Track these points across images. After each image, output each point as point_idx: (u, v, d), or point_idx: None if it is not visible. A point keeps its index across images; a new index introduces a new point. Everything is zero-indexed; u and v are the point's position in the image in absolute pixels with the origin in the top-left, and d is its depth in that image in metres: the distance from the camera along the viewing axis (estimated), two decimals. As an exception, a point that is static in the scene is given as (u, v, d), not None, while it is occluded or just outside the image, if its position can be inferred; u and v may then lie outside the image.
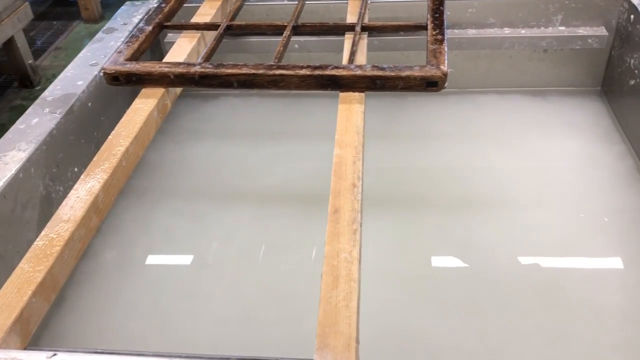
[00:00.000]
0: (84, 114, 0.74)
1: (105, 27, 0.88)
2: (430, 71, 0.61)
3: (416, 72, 0.61)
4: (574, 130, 0.88)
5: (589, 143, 0.85)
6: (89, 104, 0.76)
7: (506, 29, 0.90)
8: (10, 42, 2.10)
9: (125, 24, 0.89)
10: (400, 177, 0.82)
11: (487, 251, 0.70)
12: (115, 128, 0.61)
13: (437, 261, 0.69)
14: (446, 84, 0.62)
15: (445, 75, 0.61)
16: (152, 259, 0.72)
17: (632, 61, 0.83)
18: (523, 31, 0.89)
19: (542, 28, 0.89)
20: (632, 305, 0.62)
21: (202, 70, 0.64)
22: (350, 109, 0.61)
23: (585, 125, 0.88)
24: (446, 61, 0.63)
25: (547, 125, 0.89)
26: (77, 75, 0.77)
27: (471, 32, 0.90)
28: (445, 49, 0.65)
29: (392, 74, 0.62)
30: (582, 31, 0.88)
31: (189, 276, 0.70)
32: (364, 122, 0.60)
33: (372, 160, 0.84)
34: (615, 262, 0.67)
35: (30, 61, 2.22)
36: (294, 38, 0.90)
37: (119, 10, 0.93)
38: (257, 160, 0.87)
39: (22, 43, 2.20)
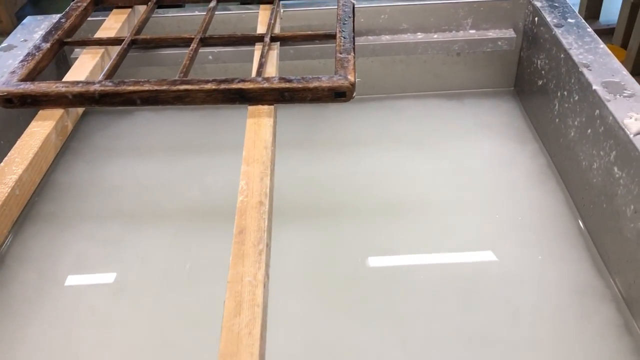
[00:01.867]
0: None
1: (2, 45, 0.83)
2: (338, 82, 0.61)
3: (324, 83, 0.60)
4: (489, 131, 0.89)
5: (503, 143, 0.87)
6: (-16, 128, 0.71)
7: (419, 34, 0.90)
8: None
9: (25, 41, 0.85)
10: (321, 186, 0.81)
11: (407, 257, 0.70)
12: (8, 154, 0.57)
13: (359, 271, 0.69)
14: (355, 94, 0.62)
15: (352, 85, 0.61)
16: (63, 289, 0.68)
17: (539, 62, 0.85)
18: (435, 36, 0.90)
19: (454, 32, 0.90)
20: (547, 304, 0.63)
21: (102, 88, 0.61)
22: (259, 122, 0.60)
23: (500, 125, 0.90)
24: (354, 71, 0.63)
25: (464, 127, 0.91)
26: (-31, 98, 0.72)
27: (385, 38, 0.90)
28: (353, 58, 0.65)
29: (300, 86, 0.60)
30: (491, 34, 0.90)
31: (104, 304, 0.67)
32: (273, 135, 0.59)
33: (292, 169, 0.84)
34: (531, 261, 0.68)
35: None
36: (207, 49, 0.88)
37: (19, 26, 0.88)
38: (173, 176, 0.85)
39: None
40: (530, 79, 0.89)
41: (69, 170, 0.87)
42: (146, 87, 0.61)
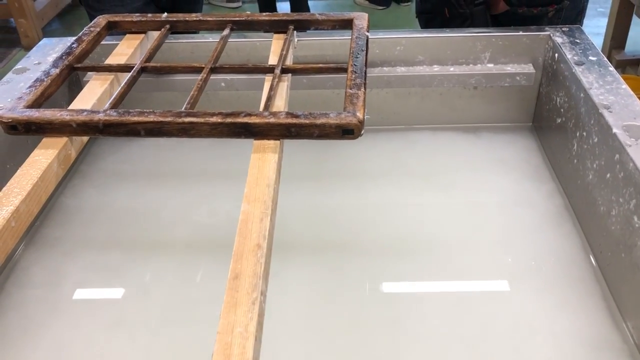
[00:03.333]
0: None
1: (16, 67, 0.83)
2: (346, 118, 0.59)
3: (331, 120, 0.59)
4: (505, 168, 0.87)
5: (519, 181, 0.84)
6: (-10, 152, 0.71)
7: (435, 66, 0.89)
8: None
9: (38, 64, 0.85)
10: (328, 219, 0.79)
11: (414, 301, 0.67)
12: (8, 184, 0.56)
13: (362, 314, 0.66)
14: (363, 132, 0.60)
15: (361, 122, 0.59)
16: (61, 320, 0.67)
17: (558, 99, 0.83)
18: (452, 68, 0.88)
19: (471, 65, 0.88)
20: (560, 356, 0.60)
21: (106, 118, 0.60)
22: (263, 158, 0.58)
23: (516, 162, 0.88)
24: (363, 107, 0.61)
25: (479, 162, 0.88)
26: (-23, 122, 0.72)
27: (400, 70, 0.89)
28: (364, 94, 0.63)
29: (307, 122, 0.59)
30: (510, 68, 0.87)
31: (100, 338, 0.65)
32: (277, 172, 0.57)
33: (300, 200, 0.82)
34: (543, 309, 0.65)
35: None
36: (220, 76, 0.87)
37: (34, 48, 0.89)
38: (181, 203, 0.83)
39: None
40: (549, 116, 0.86)
41: (76, 195, 0.86)
42: (151, 118, 0.60)
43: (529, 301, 0.66)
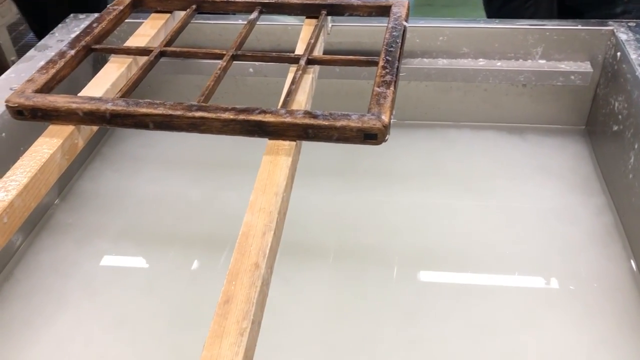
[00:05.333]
0: (-8, 147, 0.67)
1: (38, 44, 0.80)
2: (369, 122, 0.53)
3: (352, 123, 0.53)
4: (550, 176, 0.79)
5: (565, 192, 0.76)
6: (2, 134, 0.68)
7: (481, 60, 0.81)
8: (-8, 37, 2.06)
9: (61, 41, 0.82)
10: (351, 223, 0.74)
11: (435, 321, 0.62)
12: (4, 176, 0.53)
13: (380, 329, 0.61)
14: (387, 137, 0.54)
15: (385, 127, 0.53)
16: (62, 313, 0.65)
17: (616, 104, 0.74)
18: (499, 63, 0.80)
19: (521, 61, 0.80)
20: (593, 399, 0.54)
21: (114, 108, 0.56)
22: (275, 162, 0.53)
23: (563, 170, 0.80)
24: (390, 109, 0.55)
25: (522, 167, 0.81)
26: (-8, 101, 0.69)
27: (442, 62, 0.82)
28: (393, 93, 0.57)
29: (326, 123, 0.53)
30: (564, 66, 0.79)
31: (101, 336, 0.63)
32: (289, 178, 0.52)
33: (323, 200, 0.77)
34: (579, 344, 0.58)
35: (13, 58, 2.20)
36: (246, 62, 0.83)
37: (60, 24, 0.86)
38: (198, 195, 0.80)
39: (4, 39, 2.16)
40: (605, 122, 0.78)
41: (95, 178, 0.83)
42: (160, 110, 0.56)
43: (564, 332, 0.60)
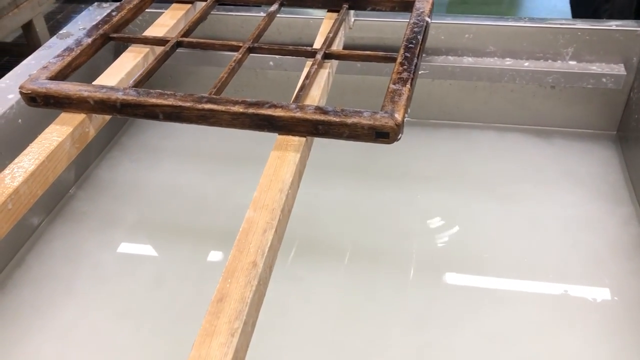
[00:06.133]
0: (8, 133, 0.67)
1: (61, 32, 0.81)
2: (382, 120, 0.51)
3: (364, 120, 0.51)
4: (577, 182, 0.76)
5: (592, 199, 0.73)
6: (19, 120, 0.68)
7: (508, 59, 0.78)
8: (28, 25, 2.09)
9: (83, 29, 0.81)
10: (365, 224, 0.72)
11: (446, 330, 0.59)
12: (12, 162, 0.53)
13: (388, 335, 0.60)
14: (400, 136, 0.52)
15: (398, 125, 0.51)
16: (70, 301, 0.65)
17: (650, 109, 0.71)
18: (527, 63, 0.77)
19: (550, 61, 0.77)
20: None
21: (124, 97, 0.56)
22: (283, 157, 0.52)
23: (591, 176, 0.76)
24: (405, 108, 0.53)
25: (547, 172, 0.78)
26: (11, 87, 0.69)
27: (467, 61, 0.79)
28: (409, 91, 0.55)
29: (337, 120, 0.52)
30: (595, 68, 0.76)
31: (105, 326, 0.62)
32: (296, 175, 0.51)
33: (337, 200, 0.76)
34: (594, 358, 0.55)
35: (49, 46, 2.22)
36: (267, 55, 0.81)
37: (84, 11, 0.86)
38: (214, 188, 0.79)
39: (41, 27, 2.18)
40: (638, 127, 0.74)
41: (112, 168, 0.83)
42: (169, 101, 0.55)
43: (580, 346, 0.57)
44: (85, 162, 0.83)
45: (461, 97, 0.84)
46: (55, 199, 0.77)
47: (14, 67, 0.75)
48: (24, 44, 2.10)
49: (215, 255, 0.70)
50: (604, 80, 0.75)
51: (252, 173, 0.80)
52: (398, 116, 0.51)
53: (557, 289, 0.62)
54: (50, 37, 1.79)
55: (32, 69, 0.73)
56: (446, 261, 0.67)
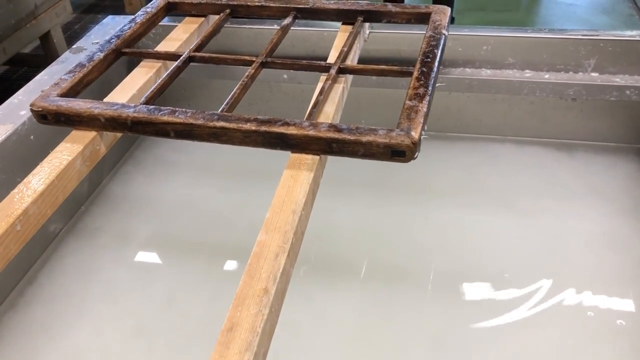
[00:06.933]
0: (20, 150, 0.66)
1: (74, 46, 0.80)
2: (397, 138, 0.49)
3: (379, 138, 0.50)
4: (599, 197, 0.74)
5: (615, 216, 0.71)
6: (31, 137, 0.68)
7: (527, 71, 0.76)
8: (46, 36, 2.11)
9: (97, 43, 0.81)
10: (380, 241, 0.71)
11: (464, 352, 0.57)
12: (21, 182, 0.52)
13: (405, 358, 0.58)
14: (417, 154, 0.50)
15: (415, 144, 0.49)
16: (81, 320, 0.64)
17: (676, 122, 0.68)
18: (547, 75, 0.75)
19: (571, 73, 0.75)
20: None
21: (135, 115, 0.55)
22: (296, 177, 0.50)
23: (614, 191, 0.74)
24: (421, 125, 0.51)
25: (569, 187, 0.76)
26: (23, 103, 0.69)
27: (486, 73, 0.77)
28: (425, 107, 0.53)
29: (351, 138, 0.50)
30: (619, 80, 0.73)
31: (119, 346, 0.61)
32: (311, 194, 0.50)
33: (352, 215, 0.74)
34: (624, 386, 0.53)
35: (66, 57, 2.24)
36: (278, 69, 0.81)
37: (97, 26, 0.85)
38: (228, 205, 0.78)
39: (58, 38, 2.20)
40: (663, 140, 0.72)
41: (126, 182, 0.83)
42: (180, 119, 0.54)
43: (608, 372, 0.54)
44: (99, 177, 0.82)
45: (479, 109, 0.82)
46: (68, 214, 0.76)
47: (31, 78, 0.74)
48: (42, 55, 2.12)
49: (228, 272, 0.69)
50: (627, 92, 0.73)
51: (267, 188, 0.78)
52: (415, 134, 0.50)
53: (582, 310, 0.60)
54: (68, 48, 1.80)
55: (45, 84, 0.73)
56: (465, 280, 0.65)
